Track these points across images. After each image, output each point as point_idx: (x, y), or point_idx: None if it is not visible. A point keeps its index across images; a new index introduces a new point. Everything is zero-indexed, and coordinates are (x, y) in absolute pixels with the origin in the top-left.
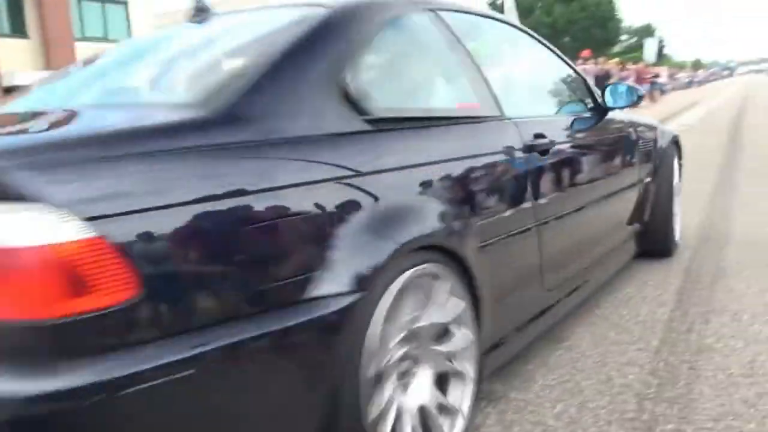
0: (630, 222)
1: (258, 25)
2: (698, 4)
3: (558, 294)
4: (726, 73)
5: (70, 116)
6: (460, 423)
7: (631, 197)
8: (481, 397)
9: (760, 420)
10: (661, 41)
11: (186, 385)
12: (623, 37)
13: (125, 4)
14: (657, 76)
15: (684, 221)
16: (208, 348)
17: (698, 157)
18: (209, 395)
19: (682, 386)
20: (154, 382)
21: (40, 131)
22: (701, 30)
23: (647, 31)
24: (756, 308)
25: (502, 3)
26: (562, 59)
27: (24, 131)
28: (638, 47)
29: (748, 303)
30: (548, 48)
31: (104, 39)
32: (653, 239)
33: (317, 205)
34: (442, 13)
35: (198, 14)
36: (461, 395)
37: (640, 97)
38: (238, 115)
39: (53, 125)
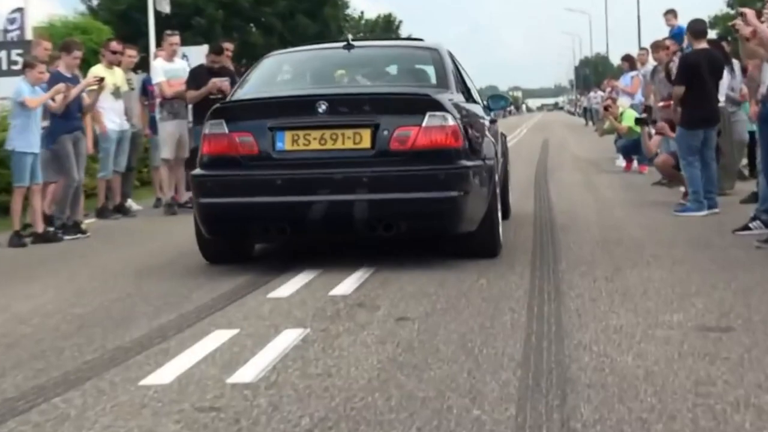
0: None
1: (404, 51)
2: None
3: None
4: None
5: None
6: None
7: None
8: None
9: None
10: None
11: (475, 171)
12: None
13: None
14: None
15: None
16: (475, 163)
17: None
18: (479, 173)
19: None
20: (471, 167)
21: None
22: (464, 37)
23: (388, 25)
24: None
25: None
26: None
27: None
28: None
29: None
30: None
31: None
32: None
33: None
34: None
35: (347, 46)
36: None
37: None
38: (454, 90)
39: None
